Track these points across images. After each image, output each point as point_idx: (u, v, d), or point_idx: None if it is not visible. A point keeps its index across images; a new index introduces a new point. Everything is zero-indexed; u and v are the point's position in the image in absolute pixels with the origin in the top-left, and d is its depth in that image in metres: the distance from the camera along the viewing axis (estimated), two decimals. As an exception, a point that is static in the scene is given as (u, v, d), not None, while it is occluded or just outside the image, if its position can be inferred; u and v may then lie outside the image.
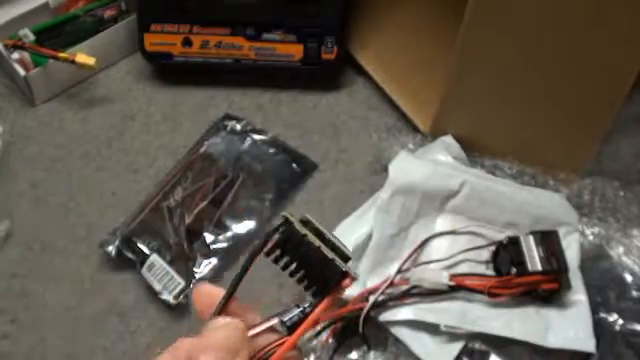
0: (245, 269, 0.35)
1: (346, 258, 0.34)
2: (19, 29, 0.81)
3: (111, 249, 0.72)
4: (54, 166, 0.80)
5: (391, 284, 0.65)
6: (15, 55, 0.82)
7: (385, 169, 0.74)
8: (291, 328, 0.36)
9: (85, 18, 0.85)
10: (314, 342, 0.66)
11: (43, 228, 0.75)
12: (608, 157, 0.81)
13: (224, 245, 0.72)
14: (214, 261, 0.71)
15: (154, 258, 0.70)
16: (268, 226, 0.75)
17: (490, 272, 0.67)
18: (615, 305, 0.66)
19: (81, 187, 0.78)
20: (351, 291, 0.66)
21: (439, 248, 0.69)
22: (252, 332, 0.35)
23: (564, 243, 0.66)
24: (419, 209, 0.70)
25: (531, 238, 0.65)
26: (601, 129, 0.74)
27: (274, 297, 0.71)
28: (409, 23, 0.89)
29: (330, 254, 0.34)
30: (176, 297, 0.69)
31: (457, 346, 0.64)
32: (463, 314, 0.65)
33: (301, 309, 0.36)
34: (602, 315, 0.66)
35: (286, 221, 0.34)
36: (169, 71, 0.86)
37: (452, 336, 0.65)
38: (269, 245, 0.34)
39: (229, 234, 0.73)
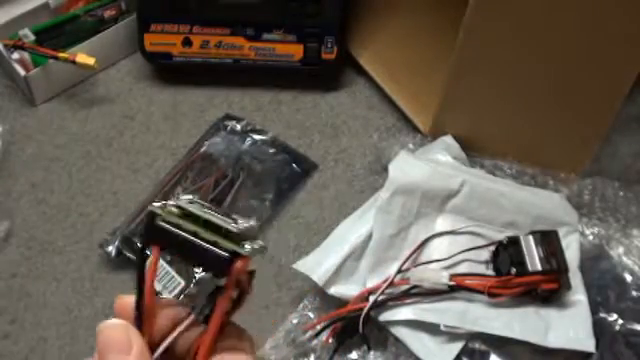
0: (140, 268, 0.33)
1: (234, 236, 0.31)
2: (19, 29, 0.81)
3: (111, 249, 0.72)
4: (54, 166, 0.80)
5: (391, 284, 0.65)
6: (15, 55, 0.82)
7: (385, 169, 0.74)
8: (206, 320, 0.32)
9: (85, 18, 0.85)
10: (314, 342, 0.66)
11: (43, 228, 0.75)
12: (608, 157, 0.81)
13: (224, 245, 0.72)
14: (214, 261, 0.71)
15: (154, 258, 0.70)
16: (269, 226, 0.75)
17: (490, 272, 0.67)
18: (615, 305, 0.66)
19: (81, 187, 0.78)
20: (351, 291, 0.66)
21: (439, 248, 0.69)
22: (170, 337, 0.33)
23: (564, 243, 0.66)
24: (419, 209, 0.70)
25: (531, 238, 0.65)
26: (601, 129, 0.74)
27: (274, 297, 0.71)
28: (409, 23, 0.89)
29: (207, 243, 0.30)
30: (176, 297, 0.69)
31: (457, 346, 0.64)
32: (463, 314, 0.65)
33: (208, 299, 0.33)
34: (602, 315, 0.66)
35: (151, 215, 0.31)
36: (169, 71, 0.86)
37: (452, 336, 0.65)
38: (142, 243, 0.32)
39: (229, 234, 0.73)
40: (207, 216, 0.31)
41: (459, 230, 0.70)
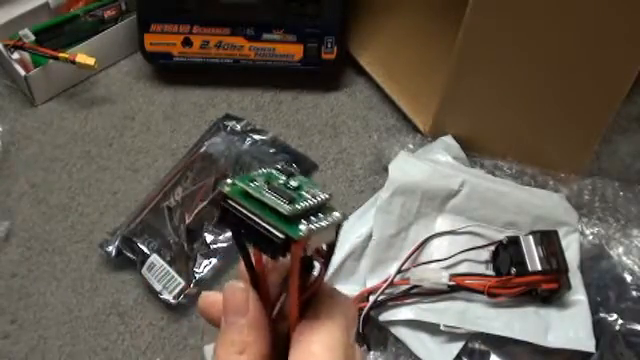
0: (241, 247, 0.32)
1: (288, 219, 0.29)
2: (19, 29, 0.81)
3: (111, 249, 0.72)
4: (54, 166, 0.80)
5: (391, 284, 0.65)
6: (15, 55, 0.82)
7: (385, 169, 0.74)
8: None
9: (85, 18, 0.85)
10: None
11: (43, 228, 0.75)
12: (608, 157, 0.81)
13: (224, 245, 0.72)
14: (214, 261, 0.71)
15: (154, 258, 0.70)
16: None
17: (490, 272, 0.67)
18: (615, 305, 0.66)
19: (81, 187, 0.78)
20: (351, 291, 0.66)
21: (439, 248, 0.69)
22: (278, 305, 0.33)
23: (564, 243, 0.66)
24: (419, 209, 0.70)
25: (531, 238, 0.65)
26: (601, 129, 0.74)
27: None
28: (409, 23, 0.89)
29: (264, 223, 0.29)
30: (176, 297, 0.69)
31: (457, 346, 0.64)
32: (463, 314, 0.65)
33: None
34: (602, 315, 0.66)
35: (223, 197, 0.30)
36: (169, 71, 0.86)
37: (452, 336, 0.65)
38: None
39: (229, 234, 0.73)
40: (259, 196, 0.29)
41: (459, 230, 0.70)
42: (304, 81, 0.86)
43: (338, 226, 0.30)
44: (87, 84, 0.86)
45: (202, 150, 0.79)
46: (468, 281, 0.65)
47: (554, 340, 0.64)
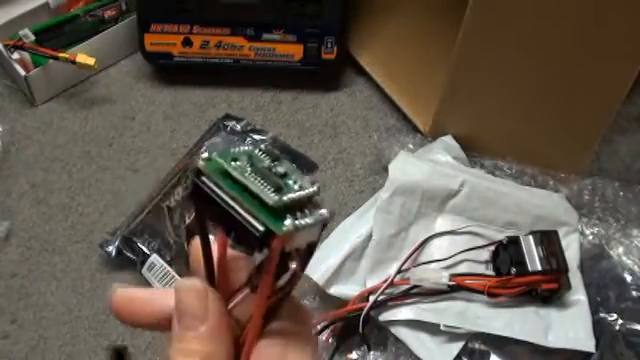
0: (200, 222, 0.28)
1: (271, 210, 0.25)
2: (19, 29, 0.81)
3: (111, 249, 0.72)
4: (54, 166, 0.80)
5: (391, 284, 0.65)
6: (15, 55, 0.82)
7: (385, 169, 0.74)
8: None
9: (85, 18, 0.85)
10: (314, 342, 0.66)
11: (43, 228, 0.75)
12: (608, 157, 0.81)
13: (224, 245, 0.72)
14: (214, 261, 0.71)
15: (154, 258, 0.70)
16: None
17: (490, 272, 0.67)
18: (615, 305, 0.66)
19: (81, 187, 0.78)
20: (351, 291, 0.66)
21: (439, 248, 0.69)
22: (231, 305, 0.29)
23: (564, 243, 0.66)
24: (419, 209, 0.70)
25: (531, 238, 0.65)
26: (601, 129, 0.74)
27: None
28: (409, 23, 0.89)
29: (244, 212, 0.25)
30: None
31: (457, 346, 0.64)
32: (463, 314, 0.65)
33: (257, 270, 0.28)
34: (602, 315, 0.66)
35: (197, 173, 0.27)
36: (169, 71, 0.86)
37: (452, 336, 0.65)
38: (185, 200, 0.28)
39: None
40: (245, 180, 0.26)
41: (459, 230, 0.70)
42: (304, 81, 0.86)
43: (323, 225, 0.26)
44: (87, 84, 0.86)
45: (202, 150, 0.79)
46: (468, 281, 0.65)
47: (554, 340, 0.64)
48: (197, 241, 0.29)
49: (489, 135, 0.77)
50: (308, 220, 0.26)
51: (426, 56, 0.86)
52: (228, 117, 0.82)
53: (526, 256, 0.64)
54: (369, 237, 0.69)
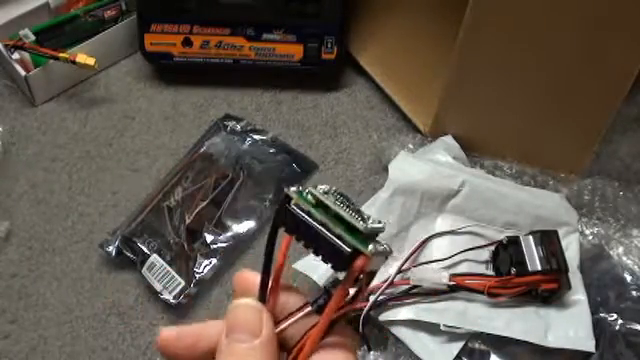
0: (269, 245, 0.33)
1: (360, 233, 0.30)
2: (19, 29, 0.81)
3: (111, 249, 0.72)
4: (54, 166, 0.80)
5: (391, 284, 0.65)
6: (15, 55, 0.82)
7: (385, 169, 0.74)
8: (319, 311, 0.33)
9: (85, 18, 0.85)
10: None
11: (43, 228, 0.75)
12: (608, 157, 0.81)
13: (224, 245, 0.72)
14: (214, 261, 0.71)
15: (154, 258, 0.70)
16: (269, 226, 0.75)
17: (490, 272, 0.67)
18: (615, 305, 0.66)
19: (81, 187, 0.78)
20: (351, 291, 0.66)
21: (439, 248, 0.68)
22: (284, 325, 0.33)
23: (564, 243, 0.66)
24: (419, 209, 0.70)
25: (531, 238, 0.65)
26: (601, 129, 0.74)
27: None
28: (409, 23, 0.89)
29: (332, 235, 0.30)
30: (176, 297, 0.69)
31: (457, 346, 0.64)
32: (463, 314, 0.65)
33: (325, 291, 0.33)
34: (602, 315, 0.66)
35: (285, 197, 0.32)
36: (169, 71, 0.86)
37: (452, 336, 0.65)
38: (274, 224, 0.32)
39: (229, 234, 0.73)
40: (337, 209, 0.31)
41: (459, 230, 0.70)
42: (304, 81, 0.86)
43: (384, 256, 0.31)
44: (87, 84, 0.86)
45: (202, 150, 0.79)
46: (468, 281, 0.65)
47: (554, 340, 0.64)
48: (244, 273, 0.34)
49: (489, 135, 0.77)
50: (382, 248, 0.30)
51: (426, 56, 0.86)
52: (228, 117, 0.82)
53: (526, 256, 0.64)
54: (369, 237, 0.69)
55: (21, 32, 0.81)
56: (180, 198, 0.75)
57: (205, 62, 0.84)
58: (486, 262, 0.68)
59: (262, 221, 0.75)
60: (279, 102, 0.85)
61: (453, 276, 0.64)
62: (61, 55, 0.79)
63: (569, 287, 0.65)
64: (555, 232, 0.67)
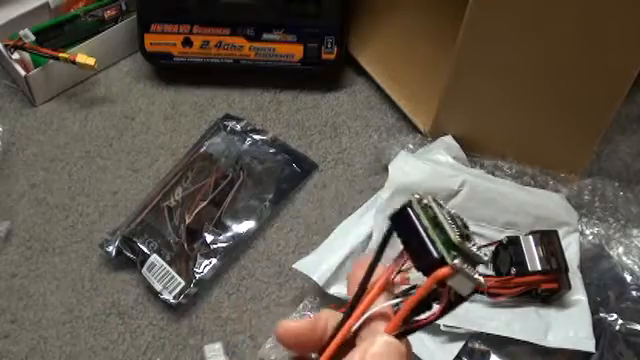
0: (384, 242, 0.34)
1: (455, 248, 0.32)
2: (19, 29, 0.81)
3: (111, 249, 0.72)
4: (54, 166, 0.80)
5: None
6: (15, 55, 0.82)
7: (385, 169, 0.74)
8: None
9: (85, 18, 0.85)
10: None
11: (43, 228, 0.75)
12: (608, 157, 0.81)
13: (224, 245, 0.72)
14: (214, 261, 0.71)
15: (154, 258, 0.70)
16: (269, 226, 0.75)
17: (490, 272, 0.67)
18: (615, 305, 0.66)
19: (81, 187, 0.78)
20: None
21: (439, 248, 0.68)
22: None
23: (564, 243, 0.66)
24: (419, 209, 0.70)
25: (531, 238, 0.65)
26: (601, 129, 0.74)
27: (274, 297, 0.71)
28: (409, 23, 0.89)
29: (428, 239, 0.32)
30: (176, 297, 0.69)
31: (457, 346, 0.64)
32: (463, 314, 0.65)
33: (405, 296, 0.35)
34: (602, 315, 0.66)
35: (409, 201, 0.33)
36: (169, 71, 0.86)
37: (452, 336, 0.65)
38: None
39: (229, 234, 0.73)
40: (443, 220, 0.33)
41: (459, 230, 0.70)
42: (304, 81, 0.86)
43: (475, 290, 0.32)
44: (87, 84, 0.86)
45: (202, 150, 0.79)
46: (468, 281, 0.65)
47: (554, 340, 0.64)
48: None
49: (489, 135, 0.77)
50: (471, 272, 0.31)
51: (426, 56, 0.86)
52: (228, 117, 0.82)
53: (526, 256, 0.64)
54: (369, 237, 0.69)
55: (21, 32, 0.81)
56: (180, 198, 0.75)
57: (205, 62, 0.84)
58: (486, 262, 0.68)
59: (262, 221, 0.75)
60: (279, 102, 0.85)
61: (453, 276, 0.64)
62: (61, 55, 0.79)
63: (569, 287, 0.65)
64: (555, 232, 0.67)
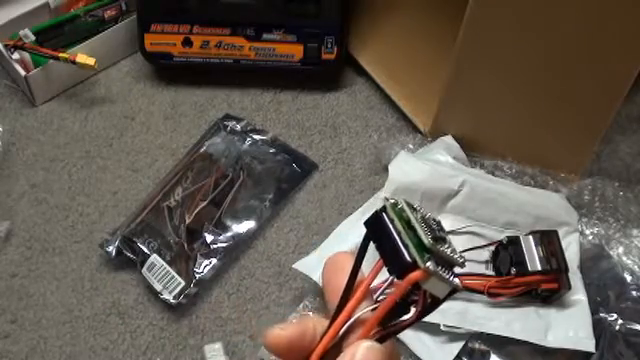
0: (362, 248, 0.34)
1: (427, 251, 0.31)
2: (19, 29, 0.81)
3: (111, 249, 0.72)
4: (54, 166, 0.80)
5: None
6: (15, 55, 0.82)
7: (385, 169, 0.74)
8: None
9: (85, 18, 0.85)
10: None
11: (43, 228, 0.75)
12: (608, 157, 0.81)
13: (224, 245, 0.72)
14: (214, 261, 0.71)
15: (154, 258, 0.70)
16: (269, 226, 0.75)
17: (490, 272, 0.67)
18: (615, 305, 0.66)
19: (81, 187, 0.78)
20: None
21: (439, 248, 0.68)
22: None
23: (564, 243, 0.67)
24: (419, 209, 0.70)
25: (531, 238, 0.65)
26: (601, 129, 0.74)
27: (274, 297, 0.71)
28: (409, 23, 0.89)
29: (401, 243, 0.31)
30: (176, 297, 0.69)
31: (457, 346, 0.64)
32: (463, 314, 0.65)
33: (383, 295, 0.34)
34: (602, 315, 0.66)
35: (383, 207, 0.33)
36: (169, 71, 0.86)
37: (452, 336, 0.65)
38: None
39: (229, 234, 0.73)
40: (416, 224, 0.32)
41: (459, 230, 0.70)
42: (304, 81, 0.86)
43: (452, 291, 0.31)
44: (87, 84, 0.86)
45: (202, 150, 0.79)
46: (468, 281, 0.65)
47: (554, 340, 0.64)
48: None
49: (489, 135, 0.77)
50: (445, 275, 0.31)
51: (426, 56, 0.86)
52: (228, 117, 0.82)
53: (526, 256, 0.64)
54: (369, 237, 0.68)
55: (21, 32, 0.81)
56: (180, 198, 0.75)
57: (205, 62, 0.84)
58: (486, 262, 0.68)
59: (262, 221, 0.75)
60: (279, 102, 0.85)
61: (453, 276, 0.64)
62: (61, 55, 0.79)
63: (569, 287, 0.65)
64: (555, 232, 0.67)
